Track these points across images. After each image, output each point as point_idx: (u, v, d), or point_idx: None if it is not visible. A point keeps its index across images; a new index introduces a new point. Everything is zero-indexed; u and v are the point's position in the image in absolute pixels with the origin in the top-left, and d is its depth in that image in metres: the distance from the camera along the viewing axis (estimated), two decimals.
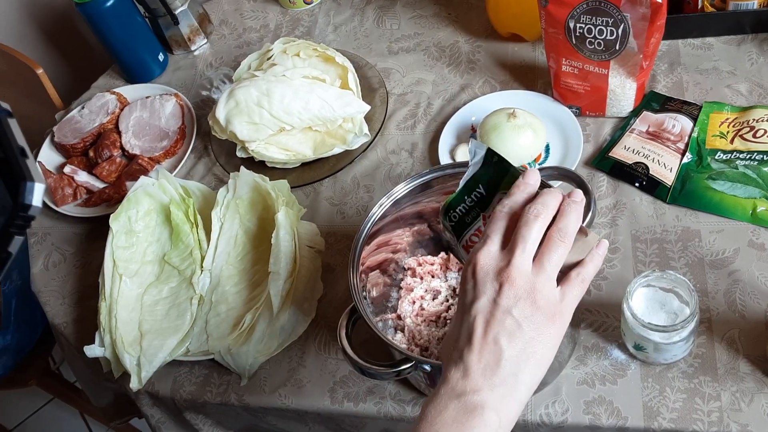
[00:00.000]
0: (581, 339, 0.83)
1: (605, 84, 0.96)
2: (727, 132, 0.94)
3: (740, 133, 0.93)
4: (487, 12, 1.15)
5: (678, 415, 0.75)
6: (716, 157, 0.91)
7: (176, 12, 1.27)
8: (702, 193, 0.89)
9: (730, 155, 0.91)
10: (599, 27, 0.90)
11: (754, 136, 0.92)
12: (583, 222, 0.74)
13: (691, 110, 0.97)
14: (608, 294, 0.85)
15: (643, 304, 0.77)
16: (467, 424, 0.50)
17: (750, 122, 0.93)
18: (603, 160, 0.96)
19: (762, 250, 0.84)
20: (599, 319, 0.84)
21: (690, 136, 0.94)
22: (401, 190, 0.80)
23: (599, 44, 0.92)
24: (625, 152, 0.95)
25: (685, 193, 0.90)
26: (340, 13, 1.31)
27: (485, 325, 0.53)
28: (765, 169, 0.89)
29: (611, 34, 0.90)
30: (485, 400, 0.51)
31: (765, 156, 0.90)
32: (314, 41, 1.27)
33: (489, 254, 0.55)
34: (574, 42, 0.94)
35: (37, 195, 0.40)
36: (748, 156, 0.90)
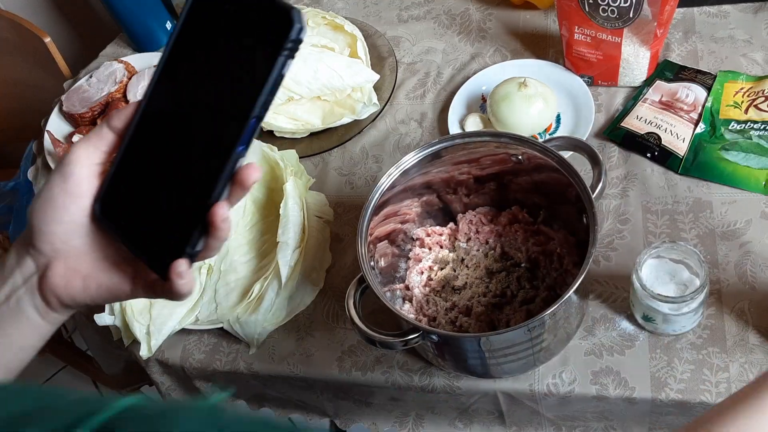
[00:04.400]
0: (590, 310, 0.82)
1: (618, 53, 0.95)
2: (742, 102, 0.92)
3: (755, 103, 0.91)
4: None
5: (686, 386, 0.75)
6: (730, 128, 0.90)
7: None
8: (715, 164, 0.88)
9: (744, 125, 0.90)
10: None
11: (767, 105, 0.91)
12: (592, 193, 0.74)
13: (705, 80, 0.95)
14: (617, 265, 0.85)
15: (652, 275, 0.76)
16: None
17: (765, 92, 0.92)
18: (615, 131, 0.95)
19: None
20: (608, 290, 0.83)
21: (703, 106, 0.93)
22: (410, 160, 0.79)
23: (613, 12, 0.90)
24: (637, 122, 0.94)
25: (697, 163, 0.89)
26: None
27: None
28: None
29: (625, 1, 0.88)
30: None
31: None
32: (323, 9, 1.25)
33: None
34: (587, 9, 0.92)
35: (303, 19, 0.44)
36: (763, 126, 0.89)
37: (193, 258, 0.47)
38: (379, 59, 1.14)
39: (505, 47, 1.11)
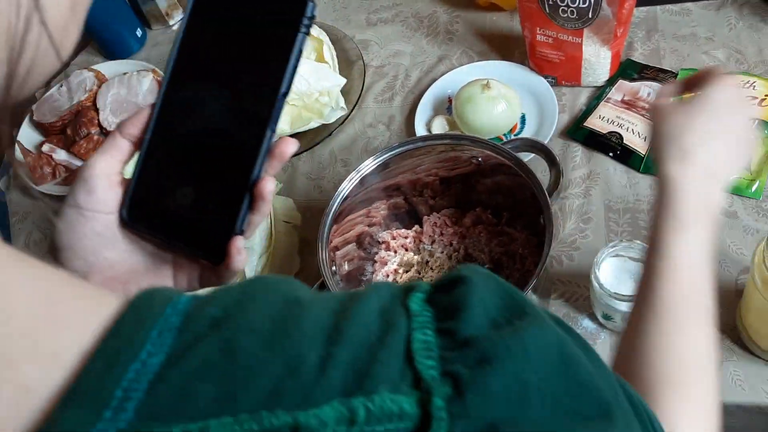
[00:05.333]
0: (552, 309, 0.83)
1: (580, 53, 0.95)
2: None
3: None
4: None
5: None
6: None
7: None
8: None
9: None
10: None
11: None
12: (549, 194, 0.75)
13: (667, 78, 0.96)
14: (579, 264, 0.85)
15: (611, 274, 0.77)
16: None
17: None
18: (578, 130, 0.96)
19: (734, 218, 0.84)
20: (570, 290, 0.84)
21: None
22: (368, 165, 0.80)
23: (572, 12, 0.91)
24: (599, 122, 0.94)
25: None
26: None
27: None
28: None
29: (584, 2, 0.89)
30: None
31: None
32: None
33: None
34: (547, 11, 0.93)
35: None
36: None
37: (243, 235, 0.49)
38: (347, 63, 1.14)
39: (472, 49, 1.12)
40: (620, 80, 0.98)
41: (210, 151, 0.48)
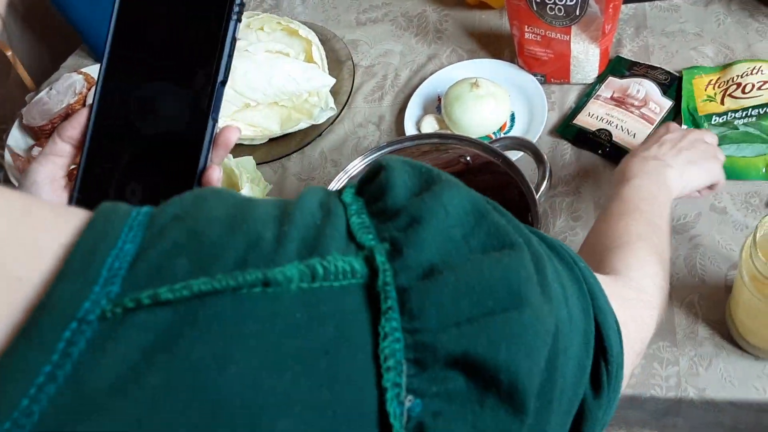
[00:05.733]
0: None
1: (568, 50, 0.95)
2: (715, 94, 0.93)
3: (728, 92, 0.92)
4: None
5: (636, 380, 0.75)
6: (713, 122, 0.90)
7: None
8: None
9: (725, 117, 0.90)
10: None
11: (743, 92, 0.91)
12: (537, 192, 0.75)
13: (656, 74, 0.96)
14: None
15: None
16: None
17: (735, 79, 0.92)
18: (567, 128, 0.95)
19: (723, 213, 0.84)
20: None
21: (669, 109, 0.93)
22: (356, 165, 0.80)
23: (560, 10, 0.91)
24: (589, 119, 0.94)
25: None
26: None
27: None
28: (765, 122, 0.88)
29: (571, 0, 0.89)
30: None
31: (761, 110, 0.89)
32: (283, 13, 1.26)
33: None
34: (535, 9, 0.93)
35: None
36: (744, 113, 0.89)
37: None
38: (337, 63, 1.14)
39: (462, 48, 1.11)
40: (610, 77, 0.98)
41: (153, 146, 0.48)
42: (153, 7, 0.48)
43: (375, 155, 0.81)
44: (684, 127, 0.88)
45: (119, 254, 0.29)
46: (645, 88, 0.94)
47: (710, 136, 0.78)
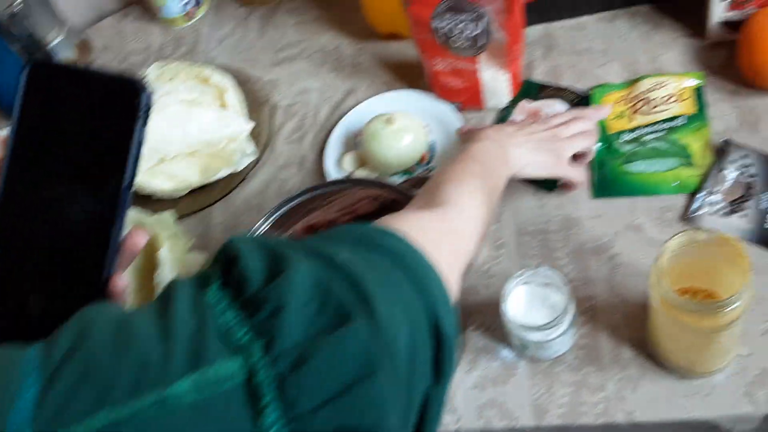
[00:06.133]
0: (472, 341, 0.82)
1: (478, 78, 0.96)
2: (624, 111, 0.94)
3: (636, 109, 0.93)
4: (364, 12, 1.13)
5: (566, 410, 0.75)
6: (623, 139, 0.91)
7: (52, 45, 1.23)
8: (623, 179, 0.88)
9: (635, 133, 0.91)
10: (462, 24, 0.89)
11: (650, 107, 0.92)
12: None
13: (565, 95, 0.97)
14: (496, 292, 0.84)
15: (523, 301, 0.77)
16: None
17: (641, 95, 0.93)
18: None
19: (639, 231, 0.85)
20: (488, 320, 0.83)
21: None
22: (261, 227, 0.79)
23: (465, 41, 0.91)
24: None
25: (607, 184, 0.89)
26: (222, 26, 1.28)
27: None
28: (673, 136, 0.89)
29: (474, 30, 0.89)
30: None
31: (668, 123, 0.90)
32: (199, 58, 1.24)
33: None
34: (441, 41, 0.93)
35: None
36: (653, 129, 0.90)
37: None
38: (256, 105, 1.13)
39: (379, 80, 1.11)
40: (522, 100, 0.98)
41: (56, 254, 0.46)
42: (57, 107, 0.46)
43: (274, 216, 0.80)
44: (559, 115, 0.87)
45: (20, 407, 0.32)
46: (555, 110, 0.95)
47: (575, 127, 0.83)
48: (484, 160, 0.72)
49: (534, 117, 0.95)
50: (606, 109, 0.89)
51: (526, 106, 0.97)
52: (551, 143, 0.80)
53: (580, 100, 0.96)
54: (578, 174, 0.84)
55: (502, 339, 0.82)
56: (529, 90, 0.99)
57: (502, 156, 0.76)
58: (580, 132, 0.84)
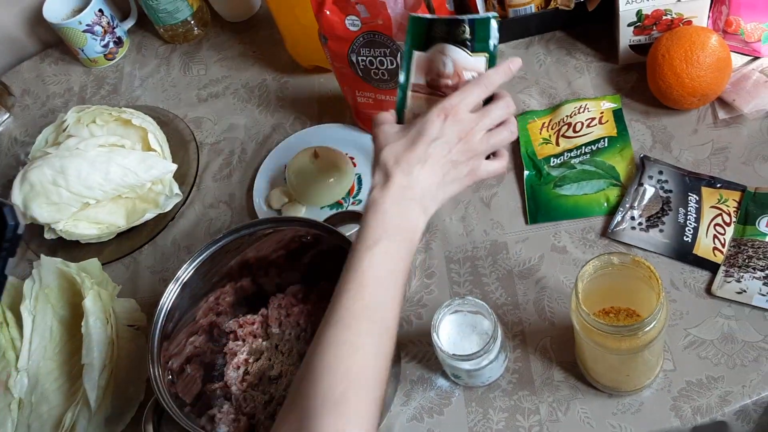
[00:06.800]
0: (407, 373, 0.83)
1: None
2: (550, 136, 0.96)
3: (561, 133, 0.95)
4: (286, 47, 1.13)
5: None
6: (552, 164, 0.93)
7: None
8: (556, 203, 0.90)
9: (562, 157, 0.93)
10: (379, 58, 0.90)
11: (574, 131, 0.94)
12: None
13: (456, 33, 0.71)
14: (428, 322, 0.84)
15: (454, 330, 0.77)
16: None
17: (565, 120, 0.95)
18: None
19: (563, 252, 0.86)
20: (422, 350, 0.84)
21: (486, 63, 0.71)
22: (186, 272, 0.78)
23: (383, 74, 0.92)
24: None
25: (540, 209, 0.90)
26: (145, 65, 1.27)
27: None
28: (599, 158, 0.91)
29: (391, 63, 0.90)
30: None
31: (593, 146, 0.92)
32: (122, 97, 1.22)
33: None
34: (361, 75, 0.93)
35: (18, 214, 0.45)
36: (579, 152, 0.93)
37: None
38: (181, 143, 1.12)
39: (304, 114, 1.11)
40: (414, 56, 0.74)
41: None
42: None
43: (199, 258, 0.79)
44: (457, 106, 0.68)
45: None
46: (450, 57, 0.72)
47: (491, 118, 0.69)
48: (394, 235, 0.63)
49: (433, 75, 0.74)
50: (516, 61, 0.71)
51: (420, 60, 0.74)
52: (465, 164, 0.68)
53: (471, 29, 0.71)
54: (500, 166, 0.71)
55: (437, 368, 0.82)
56: (417, 31, 0.74)
57: (413, 214, 0.65)
58: (498, 123, 0.69)
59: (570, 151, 0.93)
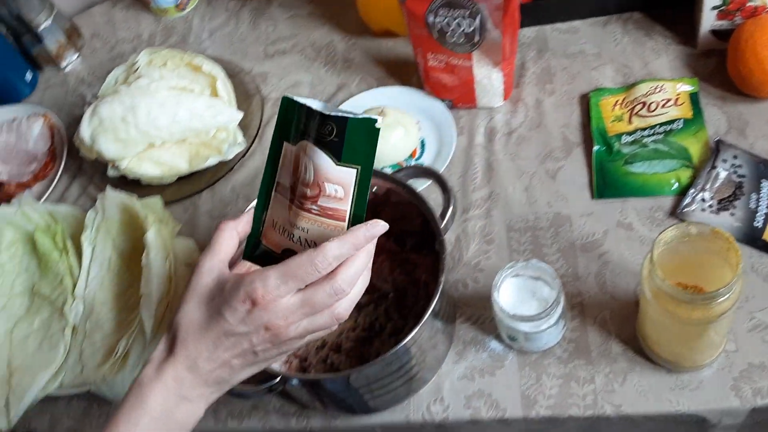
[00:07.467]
0: (460, 333, 0.82)
1: (471, 75, 0.96)
2: (622, 114, 0.94)
3: (635, 112, 0.94)
4: (357, 9, 1.14)
5: (555, 401, 0.75)
6: (623, 141, 0.92)
7: (40, 28, 1.21)
8: (624, 180, 0.89)
9: (634, 135, 0.92)
10: (458, 20, 0.90)
11: (648, 110, 0.93)
12: (442, 220, 0.74)
13: (321, 132, 0.53)
14: (485, 286, 0.85)
15: (513, 294, 0.77)
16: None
17: (639, 99, 0.94)
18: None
19: (630, 229, 0.85)
20: (477, 312, 0.83)
21: (355, 180, 0.55)
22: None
23: (460, 37, 0.92)
24: None
25: (608, 185, 0.89)
26: (214, 17, 1.28)
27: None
28: (672, 138, 0.90)
29: (470, 26, 0.90)
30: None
31: (667, 126, 0.91)
32: (190, 49, 1.23)
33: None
34: (436, 36, 0.93)
35: None
36: (652, 131, 0.91)
37: None
38: (246, 96, 1.12)
39: (370, 75, 1.11)
40: (284, 147, 0.60)
41: None
42: None
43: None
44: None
45: None
46: (312, 161, 0.56)
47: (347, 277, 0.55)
48: None
49: (295, 194, 0.58)
50: (382, 224, 0.56)
51: (289, 159, 0.59)
52: (274, 350, 0.57)
53: (338, 130, 0.55)
54: (358, 292, 0.58)
55: (491, 331, 0.82)
56: (286, 118, 0.59)
57: (179, 414, 0.58)
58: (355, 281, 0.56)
59: (643, 129, 0.92)
